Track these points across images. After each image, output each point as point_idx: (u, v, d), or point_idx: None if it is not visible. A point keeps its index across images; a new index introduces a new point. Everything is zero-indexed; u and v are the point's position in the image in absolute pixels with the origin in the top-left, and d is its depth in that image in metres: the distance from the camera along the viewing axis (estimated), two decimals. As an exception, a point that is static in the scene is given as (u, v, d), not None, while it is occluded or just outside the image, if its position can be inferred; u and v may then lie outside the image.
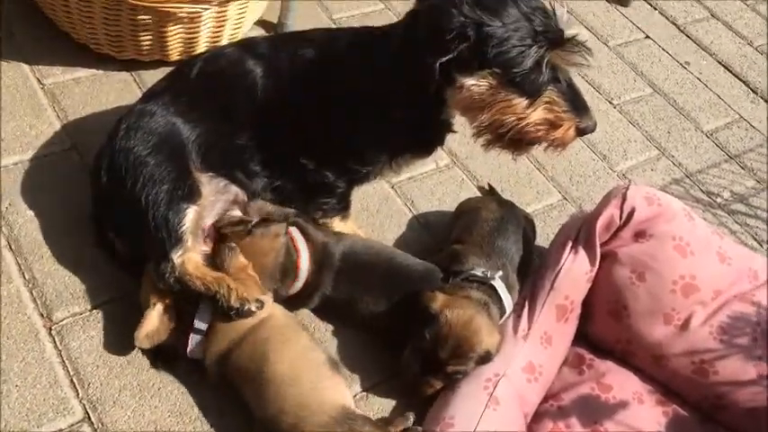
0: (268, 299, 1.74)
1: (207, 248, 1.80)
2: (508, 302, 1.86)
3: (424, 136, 1.90)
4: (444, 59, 1.59)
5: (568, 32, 1.63)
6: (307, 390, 1.62)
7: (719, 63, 3.22)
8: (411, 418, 1.73)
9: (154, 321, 1.71)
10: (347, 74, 1.80)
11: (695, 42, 3.30)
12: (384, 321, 1.86)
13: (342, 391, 1.68)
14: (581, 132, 1.70)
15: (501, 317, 1.84)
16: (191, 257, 1.73)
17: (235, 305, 1.68)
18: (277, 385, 1.63)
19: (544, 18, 1.60)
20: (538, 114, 1.65)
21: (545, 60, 1.60)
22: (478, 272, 1.86)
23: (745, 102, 3.06)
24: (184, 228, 1.72)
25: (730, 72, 3.19)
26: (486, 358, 1.74)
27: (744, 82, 3.15)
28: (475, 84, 1.63)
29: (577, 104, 1.67)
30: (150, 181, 1.72)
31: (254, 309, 1.69)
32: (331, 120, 1.83)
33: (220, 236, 1.83)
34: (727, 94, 3.07)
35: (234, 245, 1.77)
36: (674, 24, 3.37)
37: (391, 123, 1.81)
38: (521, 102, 1.63)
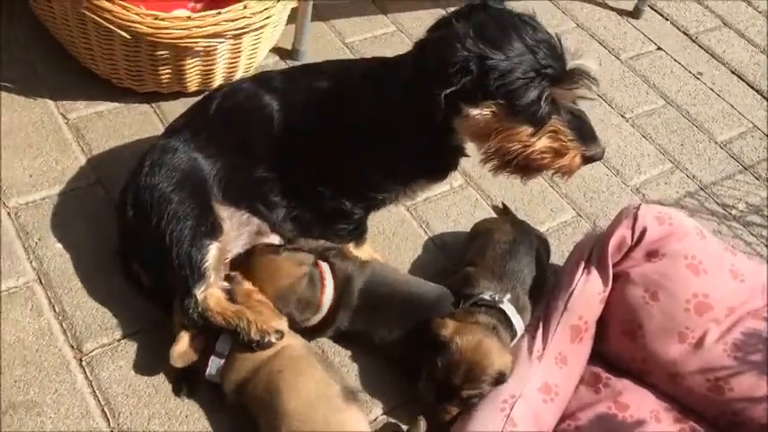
0: (284, 324, 1.79)
1: (228, 284, 1.85)
2: (519, 324, 1.89)
3: (437, 162, 1.94)
4: (449, 91, 1.63)
5: (574, 63, 1.65)
6: (319, 424, 1.66)
7: (732, 72, 3.23)
8: (423, 424, 1.77)
9: (186, 342, 1.77)
10: (361, 104, 1.85)
11: (707, 52, 3.31)
12: (399, 349, 1.91)
13: (356, 422, 1.71)
14: (588, 160, 1.73)
15: (512, 339, 1.88)
16: (212, 293, 1.79)
17: (255, 338, 1.74)
18: (289, 420, 1.66)
19: (549, 51, 1.62)
20: (542, 143, 1.68)
21: (547, 93, 1.62)
22: (487, 296, 1.90)
23: (759, 110, 3.06)
24: (207, 264, 1.78)
25: (743, 81, 3.20)
26: (500, 379, 1.78)
27: (757, 90, 3.16)
28: (479, 114, 1.66)
29: (584, 133, 1.70)
30: (174, 218, 1.78)
31: (273, 340, 1.75)
32: (346, 149, 1.88)
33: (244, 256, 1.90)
34: (740, 103, 3.08)
35: (237, 274, 1.83)
36: (686, 34, 3.39)
37: (404, 151, 1.85)
38: (525, 130, 1.67)
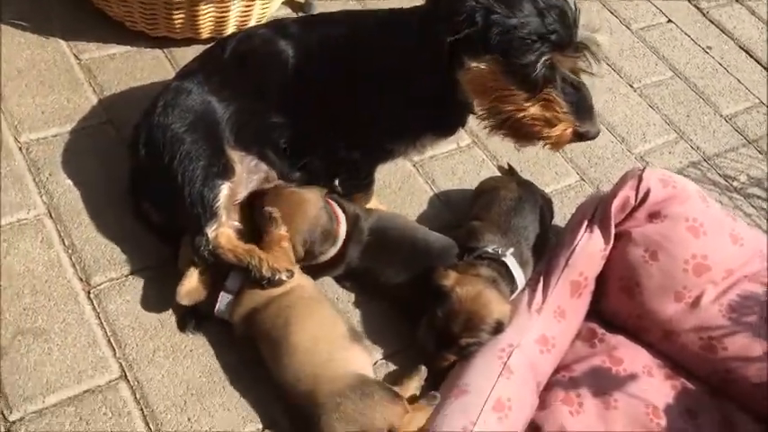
0: (296, 268, 1.83)
1: (238, 223, 1.89)
2: (520, 278, 1.93)
3: (445, 115, 1.95)
4: (453, 38, 1.63)
5: (584, 34, 1.63)
6: (323, 360, 1.71)
7: (741, 48, 3.24)
8: (423, 369, 1.83)
9: (193, 281, 1.80)
10: (375, 51, 1.85)
11: (717, 27, 3.32)
12: (403, 292, 1.95)
13: (358, 361, 1.76)
14: (580, 137, 1.70)
15: (512, 293, 1.92)
16: (224, 232, 1.82)
17: (266, 275, 1.77)
18: (295, 353, 1.71)
19: (558, 17, 1.60)
20: (535, 109, 1.66)
21: (547, 59, 1.60)
22: (491, 249, 1.93)
23: (765, 86, 3.08)
24: (219, 203, 1.81)
25: (752, 57, 3.21)
26: (498, 329, 1.82)
27: (764, 67, 3.17)
28: (478, 67, 1.65)
29: (581, 109, 1.68)
30: (187, 158, 1.80)
31: (284, 278, 1.79)
32: (359, 98, 1.89)
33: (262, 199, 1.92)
34: (747, 78, 3.09)
35: (276, 211, 1.84)
36: (697, 8, 3.39)
37: (414, 100, 1.86)
38: (521, 94, 1.65)
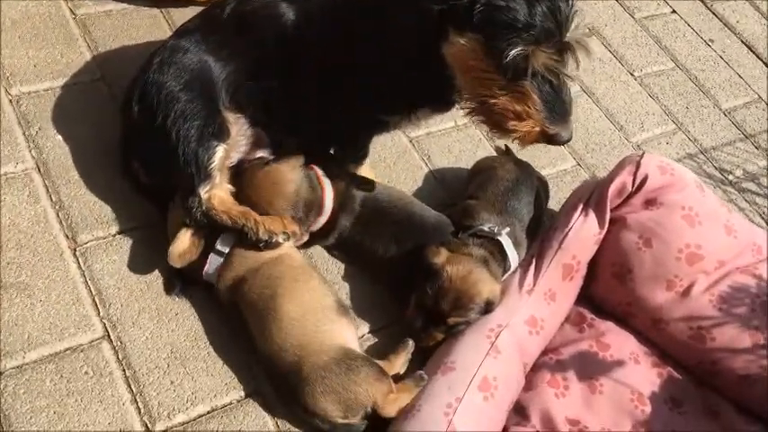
0: (295, 228, 1.82)
1: (231, 186, 1.86)
2: (513, 258, 1.92)
3: (440, 89, 1.92)
4: (440, 8, 1.58)
5: (573, 35, 1.57)
6: (309, 331, 1.69)
7: (743, 43, 3.23)
8: (410, 344, 1.82)
9: (185, 241, 1.77)
10: (374, 19, 1.82)
11: (721, 20, 3.30)
12: (393, 266, 1.93)
13: (344, 334, 1.74)
14: (548, 138, 1.63)
15: (504, 273, 1.90)
16: (217, 193, 1.80)
17: (263, 237, 1.76)
18: (281, 323, 1.69)
19: (549, 10, 1.53)
20: (506, 99, 1.60)
21: (523, 49, 1.53)
22: (486, 227, 1.91)
23: (766, 82, 3.07)
24: (213, 164, 1.78)
25: (753, 53, 3.19)
26: (487, 309, 1.81)
27: (765, 63, 3.16)
28: (460, 42, 1.60)
29: (555, 109, 1.60)
30: (182, 117, 1.76)
31: (281, 240, 1.77)
32: (358, 64, 1.86)
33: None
34: (748, 74, 3.08)
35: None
36: (702, 1, 3.37)
37: (411, 70, 1.83)
38: (497, 80, 1.59)
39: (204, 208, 1.77)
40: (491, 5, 1.53)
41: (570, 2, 1.58)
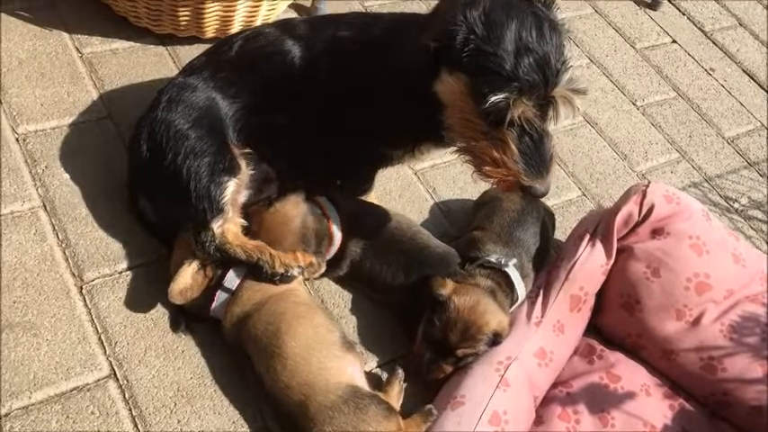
0: (311, 259, 1.83)
1: (243, 220, 1.87)
2: (521, 289, 1.91)
3: (437, 126, 1.92)
4: (434, 46, 1.59)
5: (560, 92, 1.56)
6: (315, 369, 1.67)
7: (744, 71, 3.25)
8: (400, 372, 1.81)
9: (187, 278, 1.77)
10: (377, 55, 1.84)
11: (721, 49, 3.33)
12: (399, 297, 1.93)
13: (351, 371, 1.72)
14: (523, 189, 1.61)
15: (511, 304, 1.89)
16: (230, 228, 1.80)
17: (279, 270, 1.77)
18: (286, 360, 1.68)
19: (536, 62, 1.52)
20: (486, 145, 1.59)
21: (505, 98, 1.52)
22: (493, 258, 1.91)
23: (767, 110, 3.08)
24: (226, 199, 1.78)
25: (754, 81, 3.22)
26: (496, 340, 1.80)
27: (767, 91, 3.17)
28: (449, 81, 1.60)
29: (533, 162, 1.59)
30: (192, 153, 1.78)
31: (296, 273, 1.78)
32: (361, 99, 1.87)
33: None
34: (750, 102, 3.10)
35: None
36: (702, 31, 3.40)
37: (413, 107, 1.83)
38: (480, 123, 1.59)
39: (218, 242, 1.78)
40: (480, 50, 1.53)
41: (561, 56, 1.57)
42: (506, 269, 1.88)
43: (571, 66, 1.59)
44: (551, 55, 1.55)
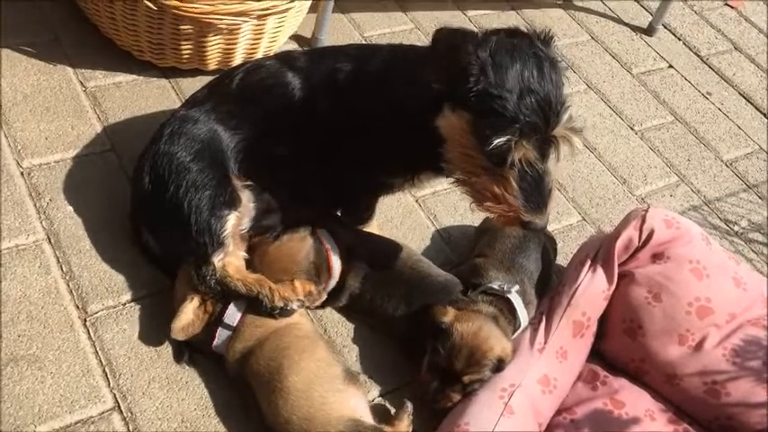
0: (311, 287, 1.85)
1: (244, 253, 1.88)
2: (523, 316, 1.91)
3: (436, 157, 1.93)
4: (439, 87, 1.63)
5: (560, 132, 1.61)
6: (316, 404, 1.67)
7: (741, 95, 3.28)
8: (409, 405, 1.80)
9: (189, 315, 1.78)
10: (378, 91, 1.86)
11: (717, 74, 3.36)
12: (401, 326, 1.94)
13: (353, 404, 1.72)
14: (522, 224, 1.65)
15: (514, 330, 1.90)
16: (231, 261, 1.82)
17: (279, 304, 1.77)
18: (287, 395, 1.68)
19: (537, 104, 1.56)
20: (487, 180, 1.62)
21: (508, 140, 1.55)
22: (496, 285, 1.92)
23: (765, 133, 3.11)
24: (226, 232, 1.80)
25: (751, 104, 3.24)
26: (500, 366, 1.80)
27: (764, 114, 3.20)
28: (452, 118, 1.63)
29: (533, 199, 1.62)
30: (193, 186, 1.80)
31: (296, 307, 1.79)
32: (361, 133, 1.89)
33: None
34: (747, 125, 3.12)
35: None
36: (698, 55, 3.44)
37: (412, 138, 1.85)
38: (481, 159, 1.61)
39: (219, 276, 1.79)
40: (485, 92, 1.56)
41: (561, 96, 1.61)
42: (509, 295, 1.89)
43: (570, 105, 1.62)
44: (552, 95, 1.59)
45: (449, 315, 1.83)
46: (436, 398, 1.82)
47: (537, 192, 1.62)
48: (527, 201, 1.61)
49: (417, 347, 1.89)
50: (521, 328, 1.92)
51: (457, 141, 1.65)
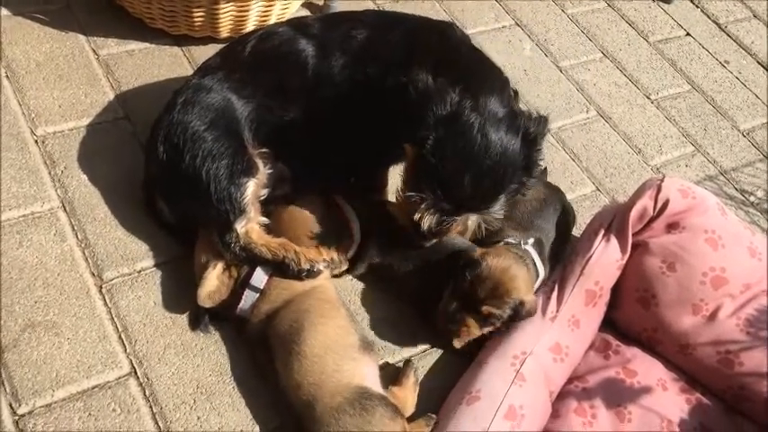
0: (333, 255, 1.87)
1: (265, 218, 1.89)
2: (540, 267, 1.91)
3: None
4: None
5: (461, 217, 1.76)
6: (329, 370, 1.68)
7: (759, 63, 3.22)
8: (412, 363, 1.84)
9: (214, 281, 1.79)
10: (390, 64, 1.85)
11: (735, 42, 3.30)
12: (416, 284, 1.94)
13: (365, 372, 1.73)
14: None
15: (536, 279, 1.89)
16: (253, 227, 1.83)
17: (305, 267, 1.79)
18: (303, 360, 1.69)
19: (459, 198, 1.71)
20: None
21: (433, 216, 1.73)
22: (512, 239, 1.92)
23: (784, 103, 3.07)
24: (246, 199, 1.80)
25: (770, 73, 3.19)
26: (519, 311, 1.79)
27: (783, 83, 3.15)
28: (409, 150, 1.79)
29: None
30: (209, 156, 1.79)
31: (322, 268, 1.81)
32: (376, 102, 1.88)
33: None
34: (765, 94, 3.07)
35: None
36: (716, 23, 3.38)
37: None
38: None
39: (242, 243, 1.80)
40: (428, 163, 1.69)
41: (489, 201, 1.75)
42: (525, 247, 1.89)
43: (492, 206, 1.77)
44: (477, 199, 1.73)
45: (479, 250, 1.84)
46: (453, 318, 1.82)
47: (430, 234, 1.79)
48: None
49: (432, 305, 1.89)
50: (539, 279, 1.91)
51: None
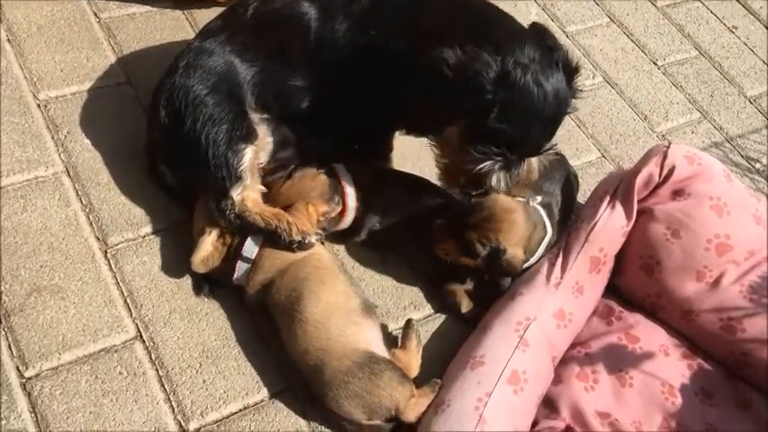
0: (325, 207, 1.86)
1: (262, 186, 1.88)
2: (549, 229, 1.91)
3: None
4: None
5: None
6: (333, 335, 1.70)
7: (767, 28, 3.18)
8: (412, 322, 1.84)
9: (208, 247, 1.79)
10: (395, 27, 1.82)
11: (744, 6, 3.26)
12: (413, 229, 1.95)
13: (369, 335, 1.74)
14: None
15: (543, 240, 1.89)
16: (249, 195, 1.82)
17: (296, 238, 1.78)
18: (306, 326, 1.70)
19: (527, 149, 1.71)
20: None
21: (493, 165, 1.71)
22: (520, 198, 1.90)
23: (792, 69, 3.03)
24: (243, 167, 1.79)
25: (778, 38, 3.15)
26: (498, 257, 1.78)
27: (792, 49, 3.12)
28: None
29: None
30: (210, 121, 1.78)
31: (314, 240, 1.80)
32: (379, 66, 1.86)
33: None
34: (773, 60, 3.04)
35: None
36: (725, -13, 3.33)
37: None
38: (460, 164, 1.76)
39: (237, 210, 1.80)
40: (498, 129, 1.66)
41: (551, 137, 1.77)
42: (534, 204, 1.89)
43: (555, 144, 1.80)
44: (543, 137, 1.75)
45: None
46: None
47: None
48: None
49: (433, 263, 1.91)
50: (546, 240, 1.90)
51: (448, 145, 1.77)
